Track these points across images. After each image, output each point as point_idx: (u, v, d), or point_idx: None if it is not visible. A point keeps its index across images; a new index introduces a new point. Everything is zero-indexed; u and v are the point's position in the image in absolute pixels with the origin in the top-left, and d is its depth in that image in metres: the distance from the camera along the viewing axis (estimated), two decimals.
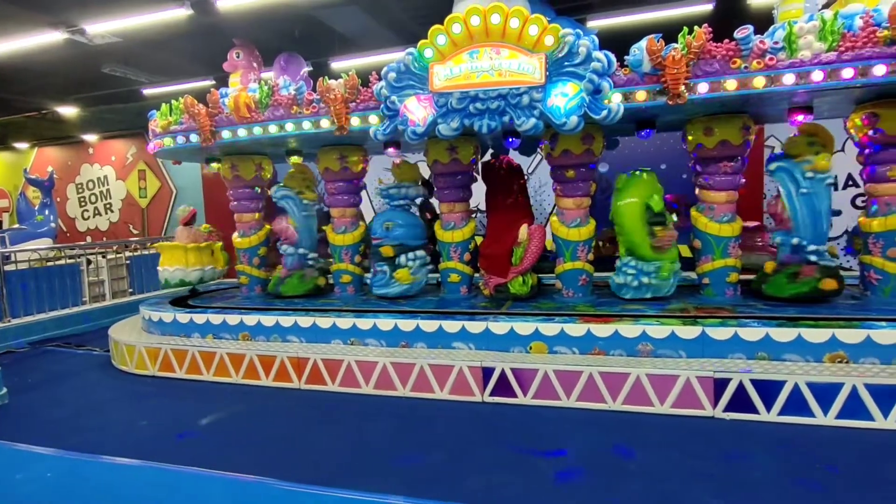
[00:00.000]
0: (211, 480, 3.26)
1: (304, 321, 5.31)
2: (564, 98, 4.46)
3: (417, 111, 4.84)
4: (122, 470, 3.47)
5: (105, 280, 9.05)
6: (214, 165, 6.58)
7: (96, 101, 10.92)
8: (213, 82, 9.05)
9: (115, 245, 10.07)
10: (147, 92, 10.26)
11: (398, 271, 5.75)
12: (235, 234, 6.77)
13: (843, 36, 4.03)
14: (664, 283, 5.13)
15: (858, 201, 8.21)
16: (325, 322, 5.24)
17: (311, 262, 6.42)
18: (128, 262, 9.52)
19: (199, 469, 3.37)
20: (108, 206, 13.79)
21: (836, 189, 8.41)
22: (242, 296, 6.79)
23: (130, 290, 9.48)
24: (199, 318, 5.74)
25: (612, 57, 4.47)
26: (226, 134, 5.70)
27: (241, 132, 5.64)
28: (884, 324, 3.99)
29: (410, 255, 5.77)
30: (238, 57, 6.10)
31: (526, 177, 6.60)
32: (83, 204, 14.05)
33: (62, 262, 8.58)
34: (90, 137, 13.55)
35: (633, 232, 5.10)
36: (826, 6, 4.59)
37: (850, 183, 8.38)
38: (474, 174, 6.06)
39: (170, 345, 5.53)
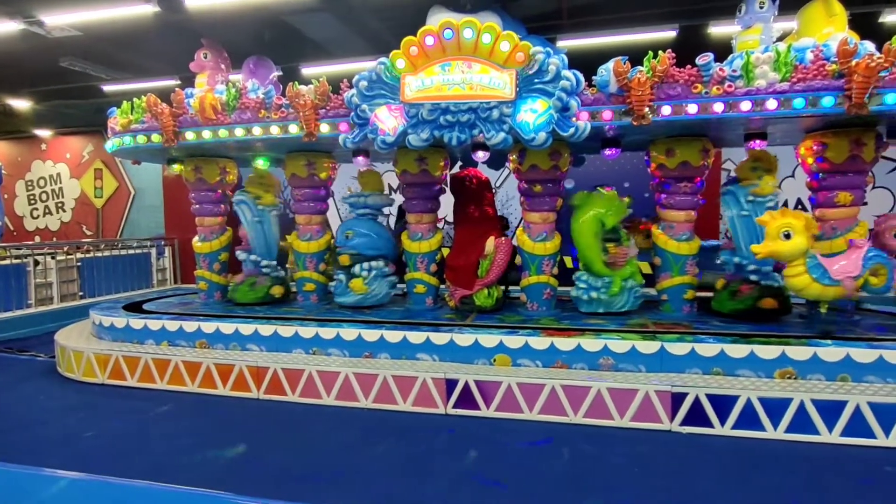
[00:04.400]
0: (161, 495, 3.12)
1: (265, 329, 5.19)
2: (534, 114, 4.55)
3: (388, 121, 4.84)
4: (66, 484, 3.29)
5: (53, 282, 8.63)
6: (176, 167, 6.40)
7: (52, 95, 10.49)
8: (178, 82, 8.82)
9: (66, 246, 9.64)
10: (107, 88, 9.91)
11: (353, 280, 5.77)
12: (196, 239, 6.58)
13: (796, 68, 4.25)
14: (614, 299, 5.26)
15: None
16: (286, 331, 5.13)
17: (265, 270, 6.29)
18: (79, 263, 9.12)
19: (148, 482, 3.23)
20: (59, 205, 13.20)
21: None
22: (201, 302, 6.59)
23: (81, 293, 9.07)
24: (154, 325, 5.53)
25: (581, 76, 4.59)
26: (190, 135, 5.55)
27: (206, 134, 5.50)
28: (829, 342, 4.18)
29: (365, 265, 5.78)
30: (205, 58, 5.97)
31: (494, 190, 6.67)
32: (33, 202, 13.41)
33: (7, 261, 8.13)
34: (43, 133, 12.96)
35: (587, 248, 5.26)
36: (780, 39, 4.84)
37: (800, 207, 8.80)
38: (443, 186, 6.09)
39: (121, 351, 5.30)
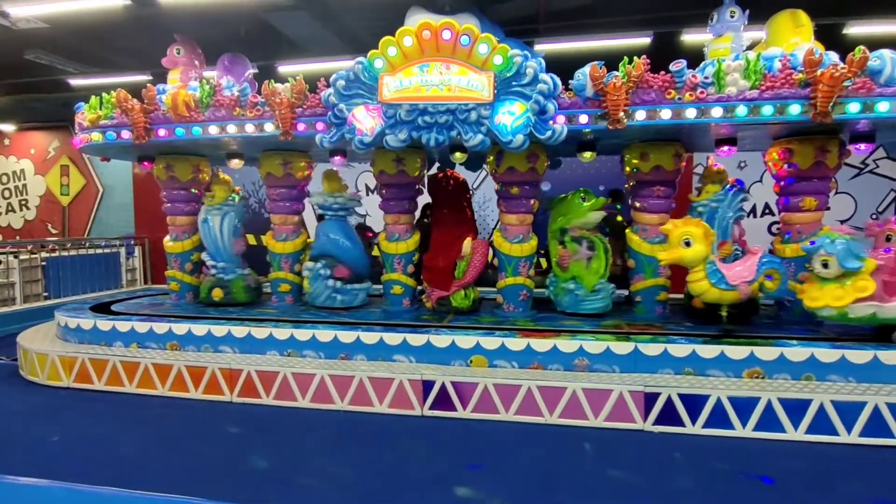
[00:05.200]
0: (130, 501, 3.04)
1: (239, 331, 5.10)
2: (511, 116, 4.58)
3: (366, 121, 4.81)
4: (30, 491, 3.18)
5: (16, 282, 8.34)
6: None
7: (16, 88, 10.14)
8: (150, 78, 8.60)
9: (30, 244, 9.33)
10: (75, 83, 9.63)
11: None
12: (167, 238, 6.44)
13: (765, 76, 4.37)
14: (558, 299, 5.50)
15: (774, 229, 8.88)
16: (260, 332, 5.05)
17: (211, 271, 6.23)
18: (43, 263, 8.83)
19: (116, 489, 3.15)
20: (23, 202, 12.76)
21: (753, 217, 9.10)
22: (172, 303, 6.45)
23: (45, 293, 8.78)
24: (123, 326, 5.39)
25: (558, 80, 4.64)
26: (162, 132, 5.43)
27: (179, 131, 5.39)
28: (795, 342, 4.31)
29: (304, 263, 5.95)
30: (178, 53, 5.85)
31: (471, 191, 6.69)
32: None
33: None
34: (7, 128, 12.52)
35: (549, 247, 5.64)
36: (750, 47, 4.98)
37: (767, 211, 9.07)
38: (420, 187, 6.08)
39: (88, 354, 5.14)
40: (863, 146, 4.78)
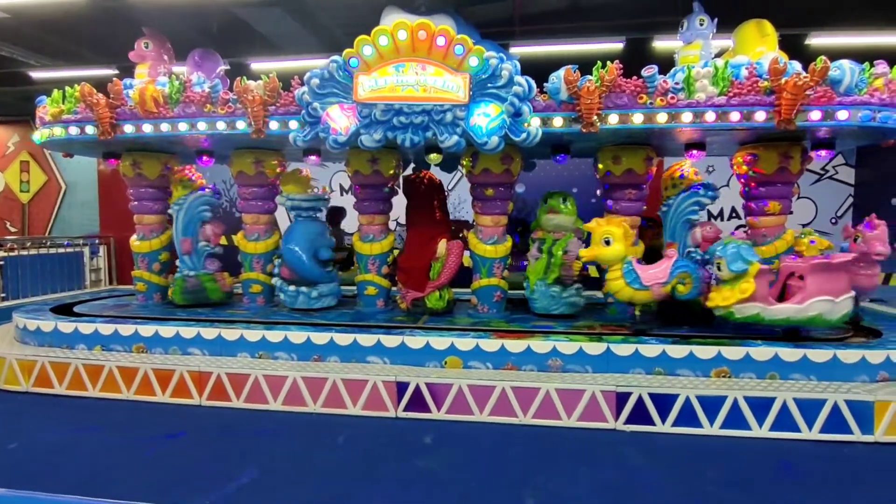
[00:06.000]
0: None
1: (208, 333, 4.99)
2: (486, 118, 4.60)
3: (340, 120, 4.77)
4: None
5: None
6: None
7: None
8: (116, 72, 8.38)
9: None
10: (36, 76, 9.30)
11: None
12: (134, 237, 6.27)
13: (732, 83, 4.49)
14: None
15: (739, 232, 9.14)
16: (231, 334, 4.95)
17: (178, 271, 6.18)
18: (1, 262, 8.48)
19: (78, 497, 3.04)
20: None
21: (721, 220, 9.35)
22: (138, 304, 6.27)
23: (3, 294, 8.44)
24: (86, 328, 5.21)
25: (533, 83, 4.68)
26: (128, 128, 5.27)
27: (147, 128, 5.24)
28: (759, 342, 4.44)
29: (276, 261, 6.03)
30: (147, 47, 5.69)
31: (446, 192, 6.70)
32: None
33: None
34: None
35: None
36: (718, 55, 5.12)
37: (734, 215, 9.33)
38: (395, 187, 6.06)
39: (48, 357, 4.96)
40: (823, 153, 4.98)
